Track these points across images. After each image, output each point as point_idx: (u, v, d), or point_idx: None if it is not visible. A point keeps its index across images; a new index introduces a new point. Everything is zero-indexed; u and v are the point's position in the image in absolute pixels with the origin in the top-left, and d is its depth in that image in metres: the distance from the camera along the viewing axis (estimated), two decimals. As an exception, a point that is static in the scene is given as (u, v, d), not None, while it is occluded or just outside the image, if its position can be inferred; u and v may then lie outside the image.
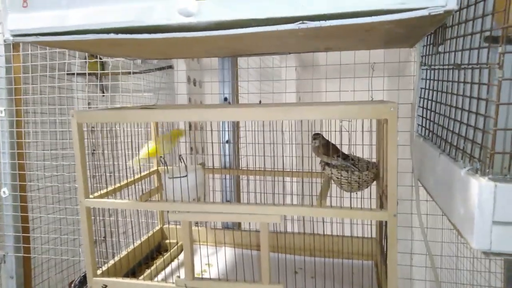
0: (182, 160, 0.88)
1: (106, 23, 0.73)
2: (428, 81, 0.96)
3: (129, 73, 1.69)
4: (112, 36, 0.74)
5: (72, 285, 1.28)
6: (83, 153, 0.90)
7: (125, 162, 1.13)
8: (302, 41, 0.87)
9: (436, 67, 0.87)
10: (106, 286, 0.91)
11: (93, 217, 1.66)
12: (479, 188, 0.55)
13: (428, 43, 0.93)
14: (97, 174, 1.35)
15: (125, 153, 1.18)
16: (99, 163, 1.26)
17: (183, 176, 0.87)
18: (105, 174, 1.13)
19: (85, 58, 1.67)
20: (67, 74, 1.68)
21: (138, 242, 1.16)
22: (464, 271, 1.18)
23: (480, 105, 0.60)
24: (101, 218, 1.63)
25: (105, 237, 1.68)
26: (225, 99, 1.24)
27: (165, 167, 0.91)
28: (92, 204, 0.91)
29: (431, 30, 0.82)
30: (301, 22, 0.65)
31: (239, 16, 0.66)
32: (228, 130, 1.27)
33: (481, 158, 0.58)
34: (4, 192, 1.45)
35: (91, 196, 0.92)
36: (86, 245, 0.92)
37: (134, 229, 1.13)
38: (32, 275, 1.56)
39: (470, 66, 0.65)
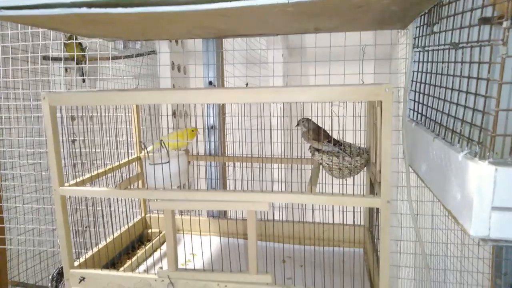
0: (163, 146, 0.83)
1: (78, -5, 0.67)
2: (420, 63, 0.93)
3: (108, 58, 1.61)
4: (84, 10, 0.68)
5: (50, 277, 1.23)
6: (57, 138, 0.84)
7: (109, 150, 1.07)
8: (291, 20, 0.82)
9: (430, 48, 0.83)
10: (83, 278, 0.86)
11: (75, 207, 1.60)
12: (479, 173, 0.52)
13: (422, 23, 0.90)
14: (77, 162, 1.29)
15: (107, 140, 1.12)
16: (79, 150, 1.19)
17: (165, 163, 0.82)
18: (87, 163, 1.07)
19: (66, 39, 1.58)
20: (44, 58, 1.59)
21: (120, 231, 1.11)
22: (452, 257, 1.17)
23: (480, 86, 0.57)
24: (82, 207, 1.56)
25: (87, 226, 1.62)
26: (210, 82, 1.18)
27: (146, 153, 0.86)
28: (67, 193, 0.85)
29: (427, 7, 0.78)
30: (291, -5, 0.60)
31: (224, -12, 0.61)
32: (213, 116, 1.22)
33: (480, 141, 0.55)
34: (-25, 181, 1.37)
35: (66, 184, 0.86)
36: (62, 236, 0.87)
37: (116, 218, 1.08)
38: (8, 266, 1.49)
39: (469, 45, 0.61)
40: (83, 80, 1.82)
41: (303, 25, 0.90)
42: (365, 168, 1.00)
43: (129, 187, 0.85)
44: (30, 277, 1.62)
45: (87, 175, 0.92)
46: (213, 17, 0.77)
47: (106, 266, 0.99)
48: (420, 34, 0.91)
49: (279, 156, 1.08)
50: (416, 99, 0.93)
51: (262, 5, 0.62)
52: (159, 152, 0.86)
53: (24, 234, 1.54)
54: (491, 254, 1.04)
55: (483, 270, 1.07)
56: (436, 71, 0.79)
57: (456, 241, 1.14)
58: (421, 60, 0.93)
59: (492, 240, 0.55)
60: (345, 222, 1.06)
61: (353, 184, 0.95)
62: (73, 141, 1.79)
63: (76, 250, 0.98)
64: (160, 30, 0.96)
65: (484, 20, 0.58)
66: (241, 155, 1.14)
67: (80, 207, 1.55)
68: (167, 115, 1.03)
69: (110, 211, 1.15)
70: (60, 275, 1.27)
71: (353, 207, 1.05)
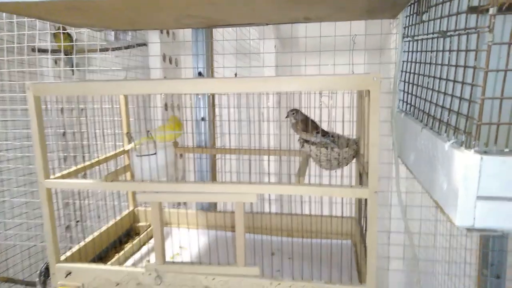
0: (151, 137, 0.82)
1: (60, -19, 0.65)
2: (410, 53, 0.92)
3: (96, 50, 1.58)
4: (67, -4, 0.66)
5: (38, 272, 1.21)
6: (42, 130, 0.82)
7: (97, 143, 1.06)
8: (280, 8, 0.81)
9: (420, 37, 0.83)
10: (70, 272, 0.85)
11: (65, 200, 1.58)
12: (465, 162, 0.51)
13: (411, 12, 0.89)
14: (67, 155, 1.27)
15: (96, 132, 1.10)
16: (69, 143, 1.18)
17: (152, 154, 0.81)
18: (77, 155, 1.05)
19: (56, 30, 1.55)
20: (32, 50, 1.56)
21: (108, 225, 1.10)
22: (440, 248, 1.18)
23: (467, 74, 0.57)
24: (72, 201, 1.55)
25: (78, 221, 1.60)
26: (200, 73, 1.17)
27: (133, 144, 0.84)
28: (53, 185, 0.84)
29: (415, -4, 0.77)
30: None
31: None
32: (203, 107, 1.20)
33: (467, 130, 0.55)
34: (-39, 174, 1.35)
35: (52, 176, 0.85)
36: (48, 229, 0.85)
37: (106, 212, 1.07)
38: (-3, 262, 1.48)
39: (456, 33, 0.61)
40: (73, 72, 1.79)
41: (292, 14, 0.89)
42: (354, 160, 0.99)
43: (115, 179, 0.84)
44: (18, 273, 1.60)
45: (73, 168, 0.90)
46: (201, 5, 0.75)
47: (93, 260, 0.98)
48: (410, 24, 0.90)
49: (272, 148, 1.08)
50: (406, 90, 0.93)
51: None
52: (146, 143, 0.85)
53: (13, 228, 1.52)
54: (479, 245, 1.05)
55: (471, 261, 1.08)
56: (425, 61, 0.78)
57: (444, 232, 1.15)
58: (411, 49, 0.92)
59: (477, 229, 0.55)
60: (335, 214, 1.06)
61: (342, 176, 0.95)
62: (63, 133, 1.77)
63: (66, 244, 0.97)
64: (147, 18, 0.94)
65: (471, 10, 0.57)
66: (229, 147, 1.13)
67: (72, 200, 1.53)
68: (158, 107, 1.02)
69: (101, 204, 1.15)
70: (48, 270, 1.25)
71: (342, 199, 1.05)
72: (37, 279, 1.22)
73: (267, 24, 1.04)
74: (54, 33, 1.61)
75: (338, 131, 0.99)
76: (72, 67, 1.78)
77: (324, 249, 0.99)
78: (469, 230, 0.55)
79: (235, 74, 1.33)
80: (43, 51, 1.60)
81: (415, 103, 0.84)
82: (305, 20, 0.98)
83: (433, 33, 0.73)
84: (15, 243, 1.52)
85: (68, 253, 0.91)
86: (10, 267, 1.56)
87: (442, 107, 0.65)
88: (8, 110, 1.42)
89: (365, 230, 0.76)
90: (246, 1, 0.71)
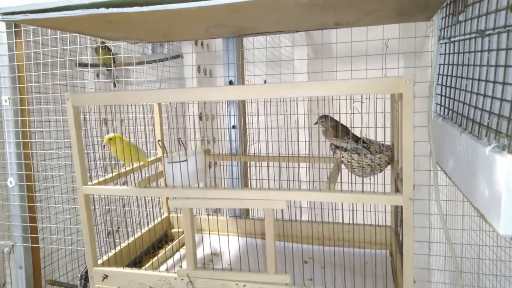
0: (181, 144, 0.84)
1: (96, -3, 0.68)
2: (447, 56, 0.88)
3: (133, 63, 1.65)
4: (103, 10, 0.70)
5: (79, 275, 1.26)
6: (80, 138, 0.86)
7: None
8: (308, 14, 0.80)
9: (456, 38, 0.79)
10: (106, 276, 0.88)
11: (105, 207, 1.64)
12: (507, 166, 0.48)
13: (447, 13, 0.85)
14: (108, 164, 1.32)
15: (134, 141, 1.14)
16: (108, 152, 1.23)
17: (183, 161, 0.83)
18: (117, 163, 1.09)
19: (96, 45, 1.63)
20: (76, 64, 1.65)
21: (143, 231, 1.13)
22: (486, 260, 1.11)
23: (508, 74, 0.53)
24: (114, 207, 1.60)
25: (118, 227, 1.66)
26: (230, 82, 1.18)
27: (164, 151, 0.87)
28: (90, 191, 0.87)
29: (450, -5, 0.74)
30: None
31: (236, -17, 0.60)
32: (234, 115, 1.21)
33: (509, 133, 0.51)
34: (10, 182, 1.44)
35: (89, 183, 0.89)
36: (86, 234, 0.89)
37: (142, 218, 1.10)
38: (42, 265, 1.55)
39: (496, 31, 0.57)
40: (114, 84, 1.87)
41: (321, 19, 0.88)
42: (389, 167, 0.96)
43: (148, 185, 0.86)
44: (62, 276, 1.68)
45: (109, 176, 0.94)
46: (228, 13, 0.76)
47: (129, 265, 1.01)
48: (446, 25, 0.87)
49: (298, 155, 1.06)
50: (443, 93, 0.89)
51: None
52: (178, 150, 0.86)
53: (57, 233, 1.60)
54: (529, 258, 0.97)
55: (521, 274, 1.00)
56: (463, 63, 0.75)
57: (490, 243, 1.08)
58: (447, 52, 0.88)
59: (524, 239, 0.51)
60: (371, 223, 1.02)
61: (377, 183, 0.92)
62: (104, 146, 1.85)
63: (106, 249, 1.00)
64: (178, 30, 0.97)
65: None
66: (259, 155, 1.13)
67: (111, 207, 1.59)
68: (193, 115, 1.03)
69: (140, 211, 1.18)
70: (87, 273, 1.30)
71: (376, 206, 1.01)
72: (78, 282, 1.27)
73: (296, 31, 1.04)
74: (95, 48, 1.70)
75: (371, 137, 0.97)
76: (114, 82, 1.86)
77: (357, 258, 0.96)
78: (514, 240, 0.52)
79: (264, 81, 1.33)
80: (84, 65, 1.69)
81: (453, 107, 0.80)
82: (335, 25, 0.97)
83: (470, 33, 0.69)
84: (59, 247, 1.60)
85: (105, 258, 0.95)
86: (55, 270, 1.64)
87: (482, 109, 0.62)
88: (53, 120, 1.50)
89: (402, 239, 0.73)
90: (273, 7, 0.71)
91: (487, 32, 0.61)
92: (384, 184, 1.04)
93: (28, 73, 1.44)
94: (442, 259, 1.27)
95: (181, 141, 0.84)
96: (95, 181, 0.91)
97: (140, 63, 1.73)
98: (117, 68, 1.76)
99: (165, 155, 0.87)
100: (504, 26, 0.54)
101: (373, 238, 1.05)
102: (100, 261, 0.92)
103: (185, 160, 0.83)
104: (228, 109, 1.22)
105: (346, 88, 0.66)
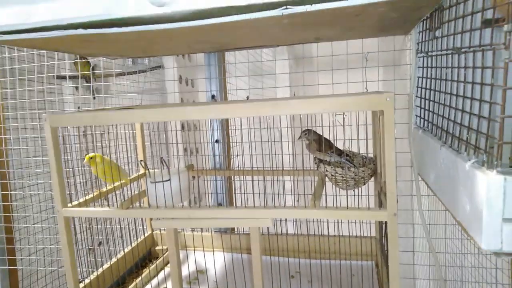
0: (164, 163, 0.82)
1: (73, 17, 0.67)
2: (425, 69, 0.90)
3: (113, 75, 1.62)
4: (81, 31, 0.68)
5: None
6: (59, 159, 0.84)
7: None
8: (289, 31, 0.81)
9: (434, 53, 0.81)
10: (88, 300, 0.85)
11: (86, 226, 1.59)
12: (487, 183, 0.49)
13: (424, 28, 0.88)
14: (88, 180, 1.29)
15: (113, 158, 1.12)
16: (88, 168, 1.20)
17: (166, 180, 0.81)
18: (97, 180, 1.06)
19: (74, 59, 1.60)
20: (54, 76, 1.61)
21: (126, 250, 1.10)
22: (469, 268, 1.12)
23: (485, 91, 0.55)
24: (94, 226, 1.56)
25: (100, 243, 1.62)
26: (213, 96, 1.18)
27: (146, 171, 0.85)
28: (70, 214, 0.85)
29: (426, 13, 0.76)
30: (284, 7, 0.59)
31: (217, 4, 0.60)
32: (217, 129, 1.21)
33: (488, 150, 0.52)
34: (-14, 202, 1.39)
35: (69, 205, 0.86)
36: (66, 257, 0.86)
37: (124, 236, 1.07)
38: (20, 287, 1.50)
39: (471, 49, 0.59)
40: (94, 97, 1.84)
41: (301, 35, 0.89)
42: (372, 178, 0.97)
43: (131, 206, 0.84)
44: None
45: (90, 195, 0.91)
46: (210, 32, 0.76)
47: (114, 285, 0.98)
48: (423, 39, 0.89)
49: (282, 168, 1.06)
50: (422, 106, 0.91)
51: (256, 18, 0.61)
52: (160, 169, 0.85)
53: (35, 254, 1.55)
54: (510, 265, 0.99)
55: (503, 281, 1.02)
56: (441, 77, 0.76)
57: (473, 250, 1.10)
58: (425, 65, 0.90)
59: (506, 253, 0.52)
60: (355, 234, 1.03)
61: (360, 195, 0.92)
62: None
63: (87, 269, 0.97)
64: (159, 46, 0.96)
65: (486, 23, 0.55)
66: (243, 169, 1.12)
67: (91, 225, 1.55)
68: (176, 130, 1.02)
69: (122, 227, 1.15)
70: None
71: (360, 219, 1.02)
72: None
73: (278, 46, 1.05)
74: (73, 62, 1.67)
75: (354, 149, 0.97)
76: (92, 92, 1.83)
77: (344, 270, 0.96)
78: (497, 254, 0.52)
79: (247, 97, 1.33)
80: (63, 77, 1.65)
81: (432, 120, 0.82)
82: (316, 40, 0.98)
83: (447, 49, 0.71)
84: (38, 268, 1.54)
85: (87, 281, 0.92)
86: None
87: (461, 124, 0.63)
88: (30, 138, 1.46)
89: (387, 250, 0.74)
90: (253, 26, 0.71)
91: (463, 50, 0.62)
92: (368, 195, 1.05)
93: (3, 90, 1.39)
94: (427, 268, 1.29)
95: (164, 161, 0.82)
96: (75, 202, 0.88)
97: (120, 74, 1.71)
98: (96, 80, 1.73)
99: (147, 174, 0.85)
100: (479, 45, 0.56)
101: (359, 249, 1.06)
102: (82, 285, 0.89)
103: (168, 180, 0.81)
104: (210, 123, 1.21)
105: (328, 106, 0.67)
